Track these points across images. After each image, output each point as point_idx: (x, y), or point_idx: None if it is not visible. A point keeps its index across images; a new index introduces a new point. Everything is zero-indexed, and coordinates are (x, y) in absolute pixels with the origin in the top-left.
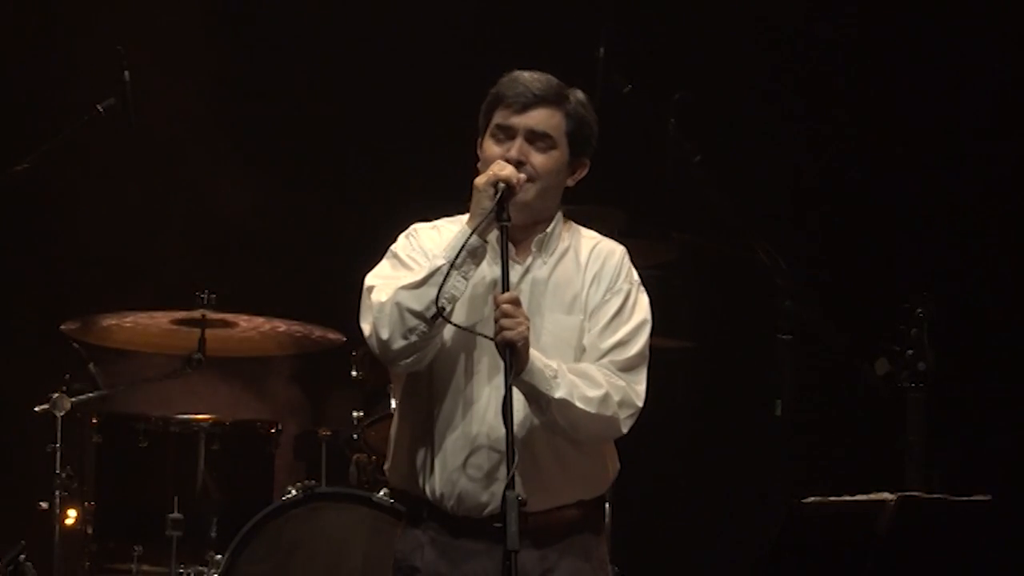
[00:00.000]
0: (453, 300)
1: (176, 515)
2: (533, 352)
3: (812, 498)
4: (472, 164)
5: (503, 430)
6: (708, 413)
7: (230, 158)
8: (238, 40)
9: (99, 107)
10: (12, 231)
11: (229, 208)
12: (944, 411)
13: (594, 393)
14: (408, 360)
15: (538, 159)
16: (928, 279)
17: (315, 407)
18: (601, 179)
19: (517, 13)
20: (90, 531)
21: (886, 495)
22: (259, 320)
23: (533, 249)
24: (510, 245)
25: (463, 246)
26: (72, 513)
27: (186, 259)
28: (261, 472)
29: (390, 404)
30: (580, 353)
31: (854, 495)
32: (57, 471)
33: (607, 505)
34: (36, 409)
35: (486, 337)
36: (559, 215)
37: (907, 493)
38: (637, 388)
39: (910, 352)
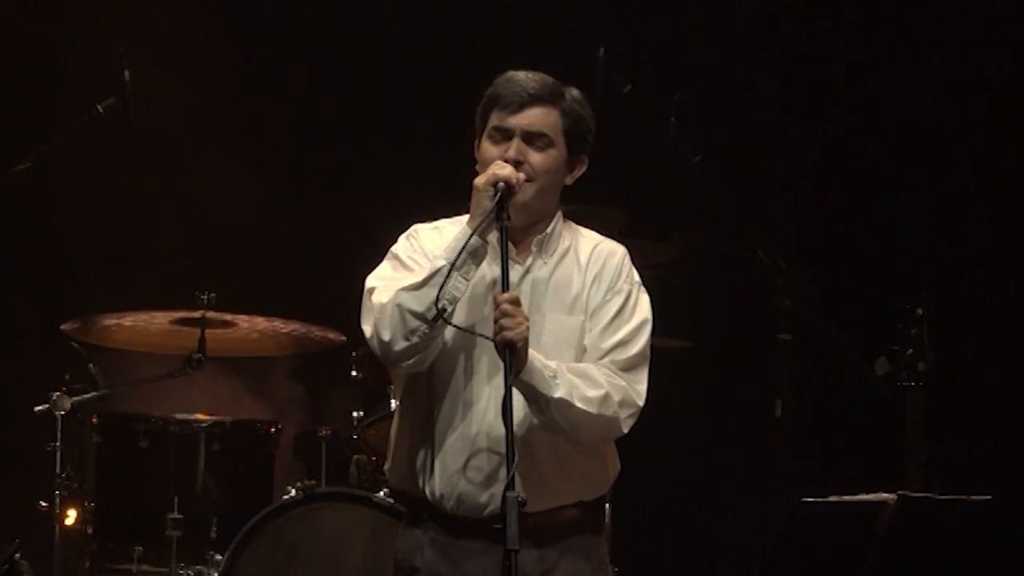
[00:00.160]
0: (454, 301)
1: (176, 515)
2: (532, 352)
3: (812, 498)
4: (473, 163)
5: (503, 430)
6: (708, 413)
7: (230, 158)
8: (239, 40)
9: (99, 107)
10: (12, 231)
11: (229, 208)
12: (944, 411)
13: (594, 393)
14: (410, 361)
15: (536, 158)
16: (928, 279)
17: (315, 407)
18: (601, 179)
19: (517, 13)
20: (90, 531)
21: (886, 495)
22: (259, 320)
23: (533, 249)
24: (510, 245)
25: (463, 247)
26: (72, 513)
27: (186, 259)
28: (261, 472)
29: (390, 404)
30: (581, 353)
31: (854, 495)
32: (57, 471)
33: (607, 505)
34: (36, 409)
35: (486, 337)
36: (559, 215)
37: (907, 493)
38: (638, 388)
39: (910, 352)
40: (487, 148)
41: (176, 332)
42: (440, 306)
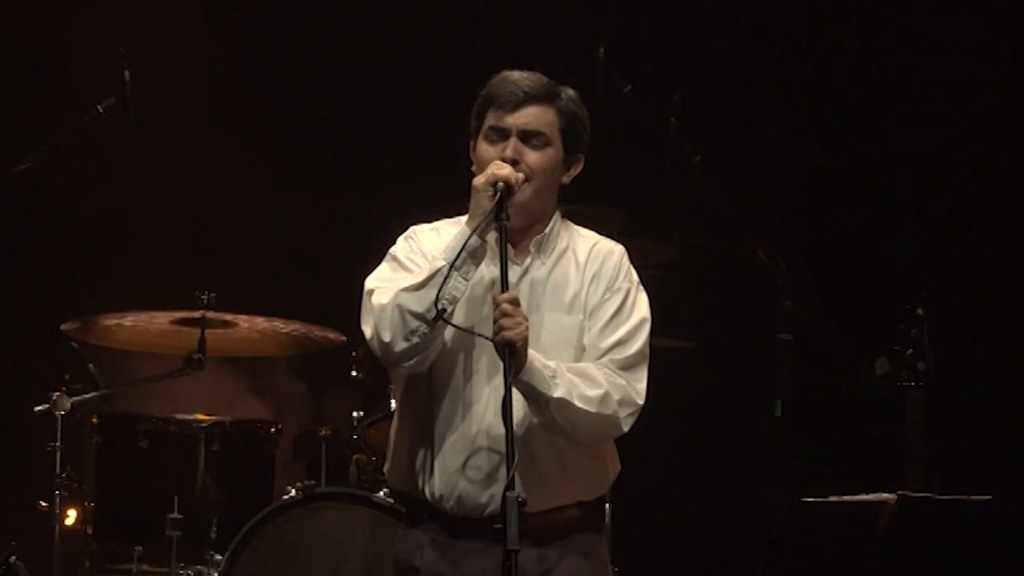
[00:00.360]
0: (454, 301)
1: (176, 515)
2: (531, 352)
3: (812, 498)
4: (470, 164)
5: (502, 430)
6: (708, 413)
7: (230, 158)
8: (239, 40)
9: (99, 107)
10: (12, 231)
11: (229, 208)
12: (944, 411)
13: (593, 392)
14: (411, 362)
15: (533, 157)
16: (928, 279)
17: (315, 407)
18: (601, 179)
19: (517, 13)
20: (90, 531)
21: (886, 495)
22: (259, 320)
23: (532, 250)
24: (508, 246)
25: (463, 247)
26: (72, 513)
27: (186, 259)
28: (261, 472)
29: (390, 404)
30: (580, 352)
31: (854, 495)
32: (57, 471)
33: (607, 505)
34: (36, 409)
35: (485, 337)
36: (557, 215)
37: (907, 493)
38: (637, 387)
39: (910, 352)
40: (484, 148)
41: (176, 332)
42: (440, 306)
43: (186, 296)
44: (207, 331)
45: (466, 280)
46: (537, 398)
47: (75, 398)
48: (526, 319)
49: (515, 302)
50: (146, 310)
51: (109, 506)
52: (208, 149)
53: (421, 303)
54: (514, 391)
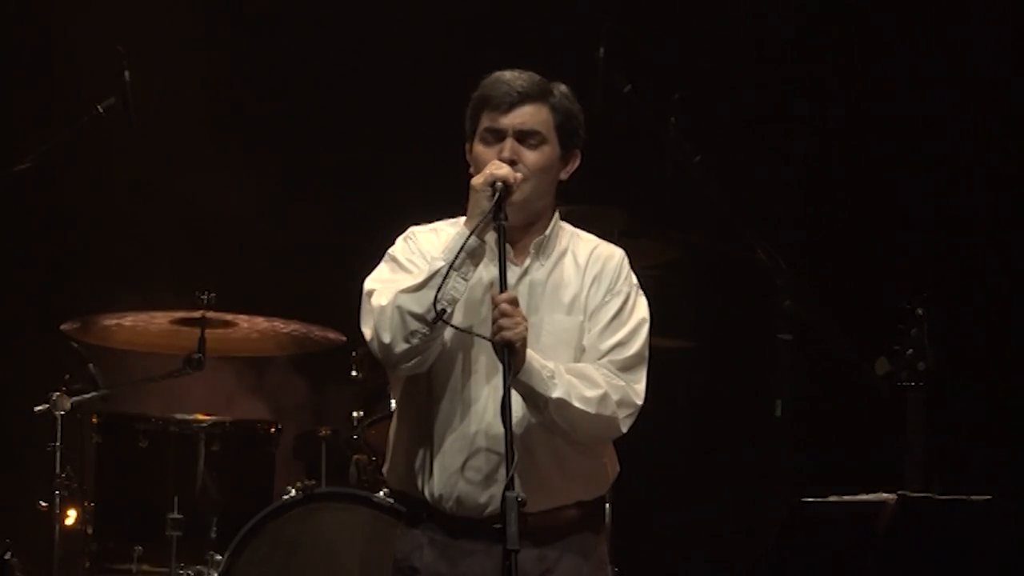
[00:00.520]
0: (453, 302)
1: (176, 515)
2: (530, 352)
3: (812, 498)
4: (467, 165)
5: (502, 430)
6: (708, 413)
7: (230, 158)
8: (239, 41)
9: (99, 107)
10: (12, 231)
11: (229, 208)
12: (944, 411)
13: (592, 393)
14: (411, 363)
15: (530, 156)
16: (928, 279)
17: (315, 407)
18: (601, 179)
19: (517, 13)
20: (90, 531)
21: (886, 495)
22: (259, 320)
23: (531, 252)
24: (507, 247)
25: (462, 247)
26: (72, 513)
27: (186, 259)
28: (261, 472)
29: (390, 404)
30: (579, 353)
31: (854, 495)
32: (57, 471)
33: (607, 505)
34: (36, 409)
35: (485, 338)
36: (556, 216)
37: (907, 493)
38: (636, 387)
39: (910, 352)
40: (480, 150)
41: (176, 332)
42: (439, 307)
43: (186, 296)
44: (207, 331)
45: (465, 280)
46: (536, 398)
47: (75, 398)
48: (525, 319)
49: (514, 302)
50: (146, 310)
51: (109, 506)
52: (208, 149)
53: (421, 304)
54: (513, 391)
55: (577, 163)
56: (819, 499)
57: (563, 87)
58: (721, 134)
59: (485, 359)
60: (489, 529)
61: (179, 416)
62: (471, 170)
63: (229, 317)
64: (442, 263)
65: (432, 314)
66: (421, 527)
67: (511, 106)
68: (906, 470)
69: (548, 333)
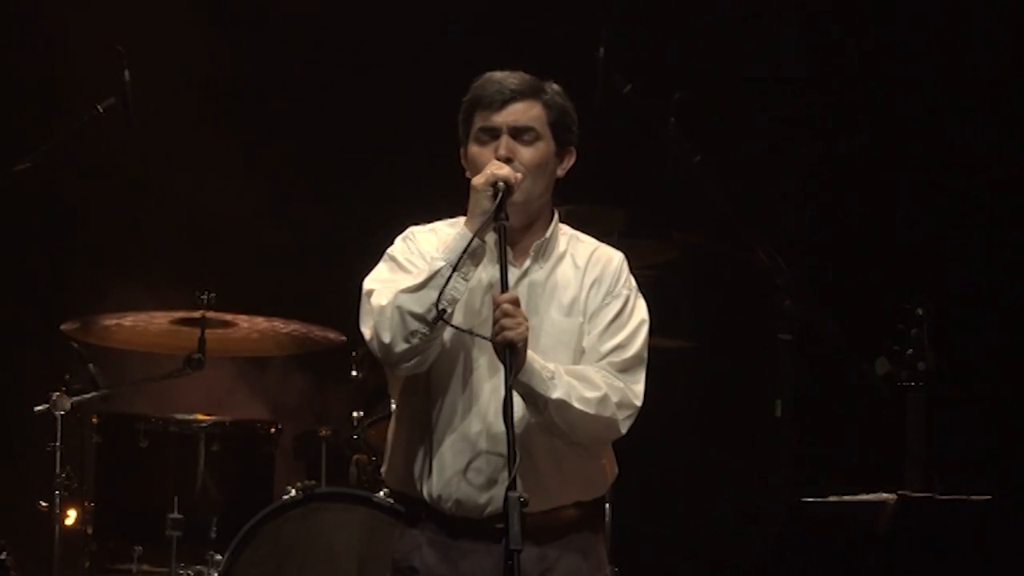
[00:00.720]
0: (454, 302)
1: (176, 515)
2: (530, 353)
3: (812, 498)
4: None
5: (502, 431)
6: (708, 413)
7: (230, 158)
8: (240, 41)
9: (99, 107)
10: (12, 231)
11: (229, 208)
12: (944, 411)
13: (592, 394)
14: (411, 363)
15: (526, 153)
16: (928, 279)
17: (315, 407)
18: (601, 179)
19: (517, 13)
20: (90, 531)
21: (886, 495)
22: (259, 320)
23: (531, 254)
24: (507, 248)
25: (465, 248)
26: (72, 513)
27: (186, 259)
28: (261, 472)
29: (390, 404)
30: (579, 355)
31: (854, 495)
32: (57, 471)
33: (607, 505)
34: (36, 409)
35: (485, 338)
36: (555, 219)
37: (907, 493)
38: (635, 388)
39: (910, 352)
40: (476, 151)
41: (176, 332)
42: (440, 307)
43: (186, 296)
44: (207, 331)
45: (466, 281)
46: (536, 399)
47: (75, 398)
48: (526, 320)
49: (515, 302)
50: (146, 310)
51: (109, 506)
52: (208, 149)
53: (421, 304)
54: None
55: (573, 160)
56: (819, 499)
57: (555, 85)
58: (721, 134)
59: (485, 360)
60: (489, 529)
61: (179, 416)
62: (467, 173)
63: (229, 317)
64: (442, 263)
65: (432, 314)
66: (420, 527)
67: (504, 104)
68: (906, 470)
69: (547, 334)
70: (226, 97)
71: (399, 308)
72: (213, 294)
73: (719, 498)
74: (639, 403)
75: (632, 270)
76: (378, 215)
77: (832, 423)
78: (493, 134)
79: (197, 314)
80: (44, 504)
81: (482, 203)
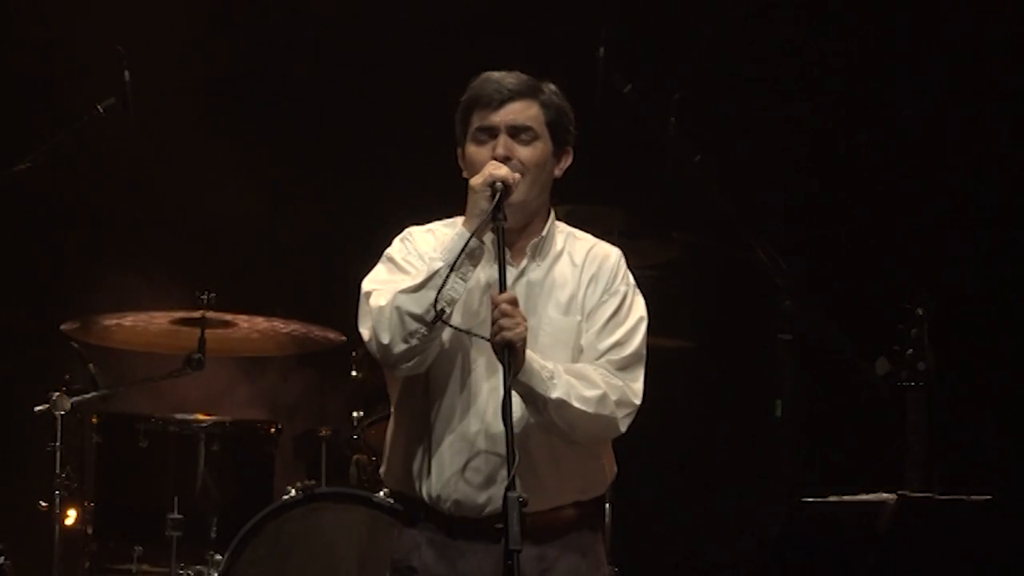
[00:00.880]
0: (452, 302)
1: (176, 515)
2: (529, 353)
3: (812, 498)
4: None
5: (501, 430)
6: (708, 413)
7: (230, 158)
8: (240, 40)
9: (99, 107)
10: (12, 231)
11: (229, 208)
12: (944, 411)
13: (591, 393)
14: (409, 363)
15: (524, 152)
16: (928, 279)
17: (315, 407)
18: (601, 179)
19: (518, 13)
20: (90, 531)
21: (886, 495)
22: (259, 320)
23: (528, 253)
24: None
25: (463, 248)
26: (72, 513)
27: (186, 259)
28: (261, 472)
29: (390, 404)
30: (577, 353)
31: (854, 495)
32: (57, 471)
33: (607, 505)
34: (36, 409)
35: (484, 338)
36: (552, 217)
37: (907, 493)
38: (634, 386)
39: (910, 352)
40: (473, 150)
41: (176, 332)
42: (439, 308)
43: (186, 296)
44: (207, 331)
45: (464, 281)
46: (535, 399)
47: (75, 398)
48: (525, 320)
49: (514, 302)
50: (146, 310)
51: (109, 506)
52: (208, 149)
53: (420, 304)
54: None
55: (570, 160)
56: (819, 499)
57: (552, 85)
58: (721, 134)
59: (484, 360)
60: (488, 529)
61: (179, 416)
62: (464, 174)
63: (229, 317)
64: (440, 263)
65: (431, 314)
66: (419, 527)
67: (501, 103)
68: (906, 470)
69: (546, 333)
70: (226, 97)
71: (398, 309)
72: (213, 294)
73: (719, 498)
74: (638, 401)
75: (632, 270)
76: (378, 215)
77: (832, 423)
78: (491, 133)
79: (197, 314)
80: (44, 504)
81: (480, 203)
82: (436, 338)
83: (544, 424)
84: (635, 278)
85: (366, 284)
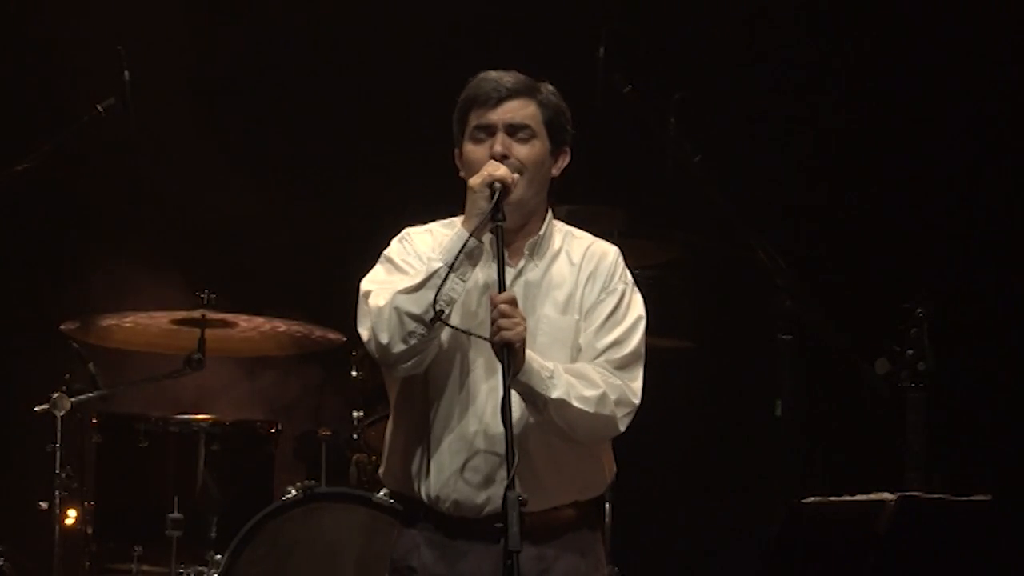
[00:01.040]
0: (451, 302)
1: (176, 515)
2: (529, 353)
3: (812, 498)
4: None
5: (500, 431)
6: (708, 413)
7: (230, 159)
8: (240, 40)
9: (99, 107)
10: (12, 231)
11: (229, 208)
12: (944, 411)
13: (591, 392)
14: (408, 363)
15: (522, 151)
16: (928, 279)
17: (315, 407)
18: (601, 179)
19: (518, 13)
20: (90, 531)
21: (886, 495)
22: (259, 320)
23: (525, 252)
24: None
25: (462, 248)
26: (72, 513)
27: (186, 259)
28: (261, 472)
29: (390, 404)
30: (576, 352)
31: (854, 495)
32: (57, 471)
33: (607, 505)
34: (36, 409)
35: (483, 338)
36: (549, 216)
37: (907, 493)
38: (633, 385)
39: (910, 352)
40: (471, 149)
41: (176, 332)
42: (438, 308)
43: (186, 296)
44: (207, 331)
45: (463, 281)
46: (535, 399)
47: (75, 398)
48: (524, 319)
49: (513, 302)
50: (146, 310)
51: (109, 506)
52: (208, 149)
53: (419, 305)
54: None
55: (567, 160)
56: (819, 499)
57: (549, 85)
58: (721, 134)
59: (483, 360)
60: (487, 529)
61: (179, 416)
62: (462, 173)
63: (229, 317)
64: (439, 264)
65: (430, 315)
66: (418, 527)
67: (499, 101)
68: (906, 470)
69: (544, 333)
70: (226, 97)
71: (397, 309)
72: (213, 294)
73: (719, 498)
74: (637, 401)
75: (632, 270)
76: (378, 215)
77: (832, 423)
78: (488, 131)
79: (197, 314)
80: (44, 504)
81: (479, 203)
82: (435, 338)
83: (544, 424)
84: (635, 278)
85: (365, 284)
